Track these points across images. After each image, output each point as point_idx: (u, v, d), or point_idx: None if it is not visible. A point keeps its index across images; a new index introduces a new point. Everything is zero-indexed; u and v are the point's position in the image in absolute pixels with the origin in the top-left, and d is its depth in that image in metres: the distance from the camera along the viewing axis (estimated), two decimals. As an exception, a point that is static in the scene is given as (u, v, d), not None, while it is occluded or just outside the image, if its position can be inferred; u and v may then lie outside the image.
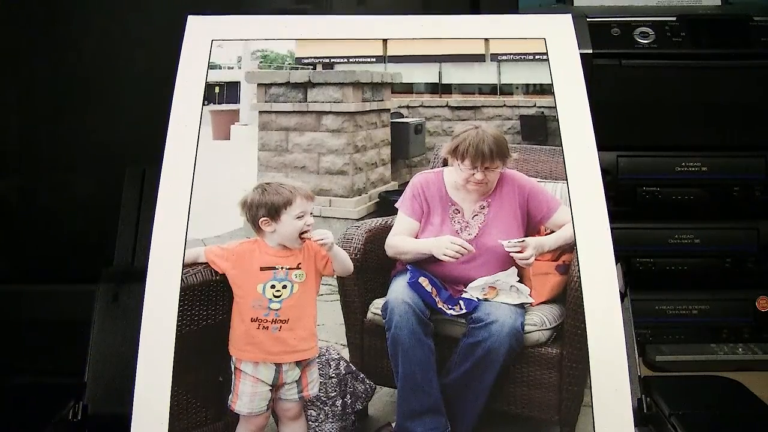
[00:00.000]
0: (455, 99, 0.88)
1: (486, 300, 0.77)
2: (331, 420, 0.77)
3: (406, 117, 0.90)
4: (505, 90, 0.87)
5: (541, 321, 0.78)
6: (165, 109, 0.77)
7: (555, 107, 0.78)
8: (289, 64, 0.85)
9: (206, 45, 0.80)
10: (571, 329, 0.74)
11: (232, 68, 0.86)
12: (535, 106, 0.84)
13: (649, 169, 1.14)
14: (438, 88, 0.88)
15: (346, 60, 0.86)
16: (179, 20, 0.82)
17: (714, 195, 1.14)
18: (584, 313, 0.71)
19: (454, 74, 0.88)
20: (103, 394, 0.76)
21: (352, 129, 0.88)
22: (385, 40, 0.83)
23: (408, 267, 0.80)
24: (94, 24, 1.31)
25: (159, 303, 0.71)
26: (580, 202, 0.74)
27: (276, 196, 0.77)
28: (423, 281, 0.79)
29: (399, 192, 0.85)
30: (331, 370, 0.79)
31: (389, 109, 0.90)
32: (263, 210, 0.76)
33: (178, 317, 0.70)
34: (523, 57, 0.83)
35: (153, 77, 0.85)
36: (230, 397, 0.75)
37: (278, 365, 0.75)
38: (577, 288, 0.72)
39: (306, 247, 0.77)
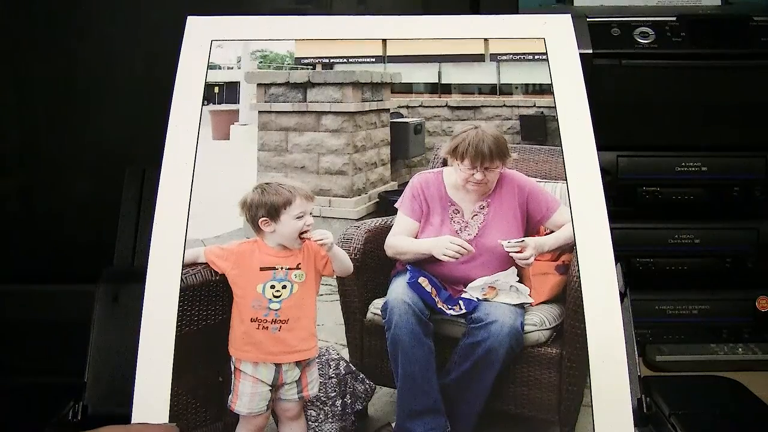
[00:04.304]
0: (455, 99, 0.88)
1: (486, 300, 0.77)
2: (330, 420, 0.77)
3: (406, 117, 0.90)
4: (505, 90, 0.87)
5: (540, 321, 0.78)
6: (165, 109, 0.77)
7: (555, 107, 0.78)
8: (289, 64, 0.85)
9: (206, 45, 0.80)
10: (570, 329, 0.74)
11: (232, 68, 0.86)
12: (534, 106, 0.84)
13: (649, 169, 1.14)
14: (437, 88, 0.88)
15: (345, 60, 0.86)
16: (179, 20, 0.82)
17: (714, 195, 1.14)
18: (584, 313, 0.71)
19: (453, 74, 0.88)
20: (103, 394, 0.76)
21: (351, 129, 0.88)
22: (384, 40, 0.83)
23: (408, 267, 0.80)
24: (94, 24, 1.31)
25: (159, 303, 0.70)
26: (580, 202, 0.74)
27: (275, 196, 0.77)
28: (423, 281, 0.79)
29: (399, 192, 0.85)
30: (331, 370, 0.79)
31: (389, 109, 0.90)
32: (263, 210, 0.76)
33: (178, 317, 0.70)
34: (522, 57, 0.83)
35: (153, 77, 0.85)
36: (230, 397, 0.75)
37: (278, 365, 0.75)
38: (577, 288, 0.72)
39: (306, 247, 0.77)
